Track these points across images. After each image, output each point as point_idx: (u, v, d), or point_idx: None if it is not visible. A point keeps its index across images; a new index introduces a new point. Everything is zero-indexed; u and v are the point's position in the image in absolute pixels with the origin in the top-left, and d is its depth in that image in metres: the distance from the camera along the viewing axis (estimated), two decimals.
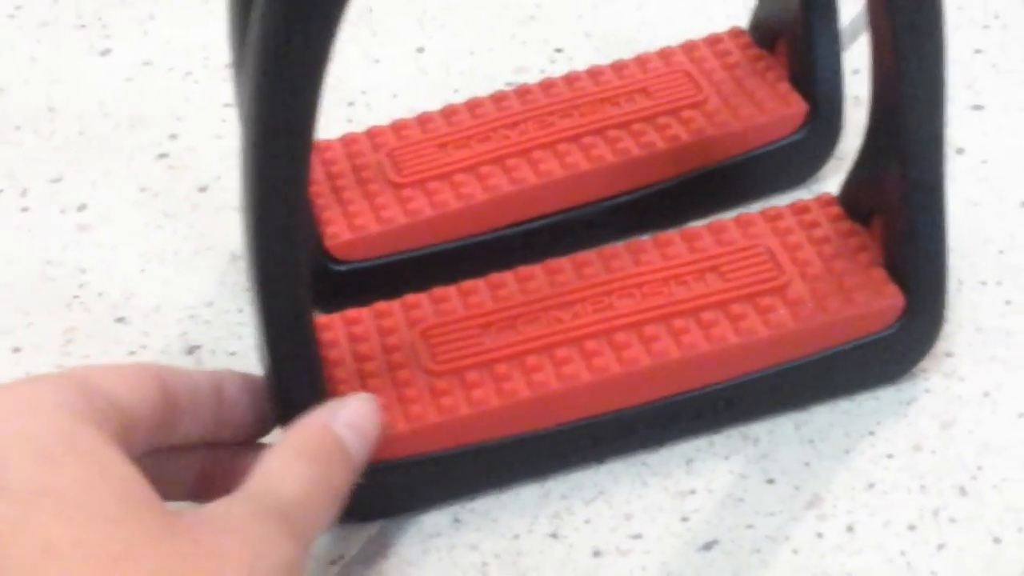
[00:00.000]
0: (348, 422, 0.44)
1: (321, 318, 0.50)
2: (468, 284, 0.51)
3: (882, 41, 0.46)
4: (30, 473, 0.37)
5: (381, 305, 0.51)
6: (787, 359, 0.49)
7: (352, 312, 0.51)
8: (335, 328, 0.50)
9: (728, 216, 0.53)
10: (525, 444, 0.49)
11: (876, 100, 0.49)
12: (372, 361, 0.49)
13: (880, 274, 0.50)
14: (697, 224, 0.53)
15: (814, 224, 0.52)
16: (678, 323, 0.49)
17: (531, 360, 0.48)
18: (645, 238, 0.52)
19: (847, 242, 0.51)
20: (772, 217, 0.52)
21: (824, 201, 0.53)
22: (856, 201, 0.52)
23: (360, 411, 0.44)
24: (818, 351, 0.50)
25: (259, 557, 0.38)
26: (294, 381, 0.45)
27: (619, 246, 0.52)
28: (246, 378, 0.47)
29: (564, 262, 0.52)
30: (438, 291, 0.51)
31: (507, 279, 0.51)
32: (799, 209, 0.53)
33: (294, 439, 0.43)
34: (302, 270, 0.43)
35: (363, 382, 0.48)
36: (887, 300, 0.49)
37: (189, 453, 0.46)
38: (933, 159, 0.48)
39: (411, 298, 0.51)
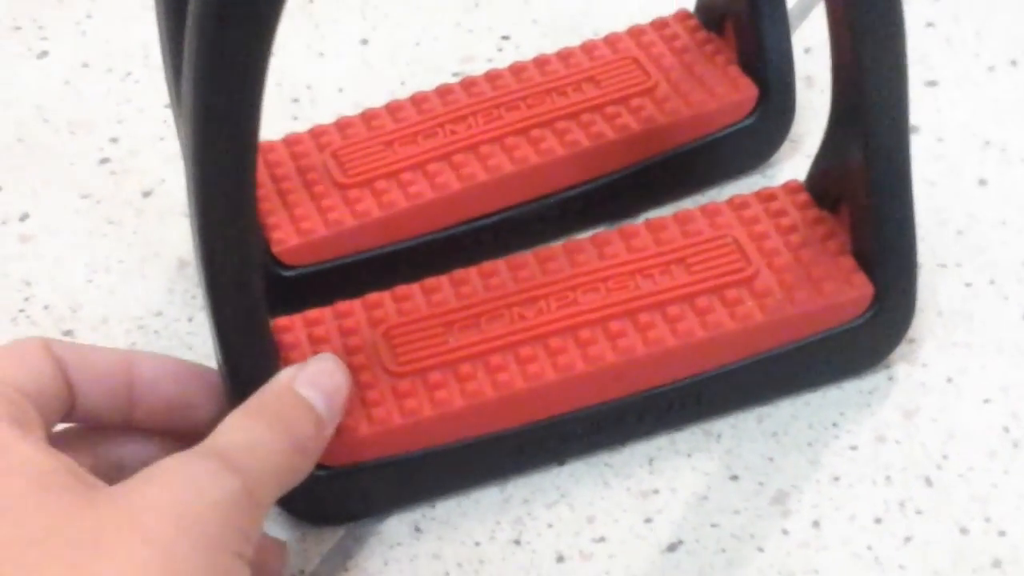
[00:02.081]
0: (309, 380, 0.43)
1: (281, 319, 0.49)
2: (431, 282, 0.50)
3: (840, 26, 0.46)
4: None
5: (342, 305, 0.50)
6: (755, 352, 0.49)
7: (313, 312, 0.50)
8: (296, 329, 0.49)
9: (688, 203, 0.52)
10: (491, 445, 0.48)
11: (837, 86, 0.48)
12: None
13: (848, 263, 0.49)
14: (663, 214, 0.52)
15: (781, 212, 0.51)
16: (644, 318, 0.48)
17: (495, 359, 0.48)
18: (610, 230, 0.51)
19: (815, 230, 0.50)
20: (738, 206, 0.51)
21: (791, 188, 0.52)
22: (823, 188, 0.51)
23: (321, 370, 0.44)
24: (787, 343, 0.49)
25: (189, 500, 0.37)
26: (252, 386, 0.44)
27: (584, 239, 0.51)
28: (166, 361, 0.45)
29: (528, 257, 0.51)
30: (400, 289, 0.50)
31: (470, 275, 0.50)
32: (766, 197, 0.52)
33: (248, 402, 0.42)
34: (253, 272, 0.42)
35: None
36: (856, 290, 0.49)
37: (147, 445, 0.45)
38: (897, 145, 0.47)
39: (373, 297, 0.50)
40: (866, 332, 0.49)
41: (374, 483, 0.47)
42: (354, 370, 0.47)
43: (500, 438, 0.48)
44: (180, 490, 0.38)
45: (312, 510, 0.48)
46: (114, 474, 0.44)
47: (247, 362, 0.44)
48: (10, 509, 0.37)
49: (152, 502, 0.37)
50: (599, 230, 0.52)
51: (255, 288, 0.43)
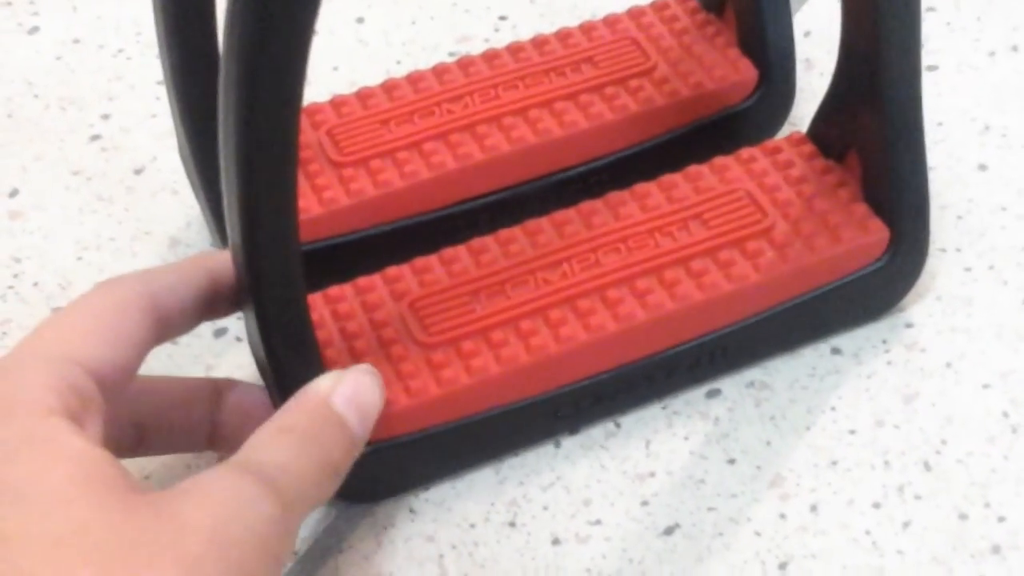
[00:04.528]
0: (347, 397, 0.42)
1: None
2: (449, 252, 0.50)
3: None
4: None
5: (362, 280, 0.49)
6: (779, 302, 0.49)
7: (334, 289, 0.49)
8: (318, 307, 0.48)
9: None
10: (527, 410, 0.48)
11: (847, 38, 0.49)
12: (362, 339, 0.47)
13: (862, 209, 0.50)
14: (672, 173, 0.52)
15: (789, 164, 0.52)
16: (669, 274, 0.49)
17: (525, 324, 0.48)
18: (622, 191, 0.51)
19: (824, 179, 0.51)
20: (746, 160, 0.52)
21: (796, 140, 0.52)
22: (828, 137, 0.52)
23: (361, 385, 0.43)
24: (808, 291, 0.49)
25: (228, 521, 0.37)
26: (292, 365, 0.43)
27: (597, 201, 0.51)
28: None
29: (543, 222, 0.51)
30: (419, 261, 0.50)
31: (488, 244, 0.50)
32: (771, 150, 0.52)
33: (283, 416, 0.41)
34: (296, 248, 0.41)
35: (356, 360, 0.47)
36: (873, 234, 0.49)
37: (196, 404, 0.45)
38: (912, 94, 0.48)
39: (392, 271, 0.50)
40: (883, 276, 0.50)
41: (414, 456, 0.47)
42: (384, 344, 0.47)
43: (537, 402, 0.48)
44: (218, 511, 0.37)
45: (357, 488, 0.46)
46: (133, 434, 0.44)
47: (292, 358, 0.43)
48: (44, 502, 0.36)
49: (188, 520, 0.36)
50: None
51: (299, 281, 0.42)
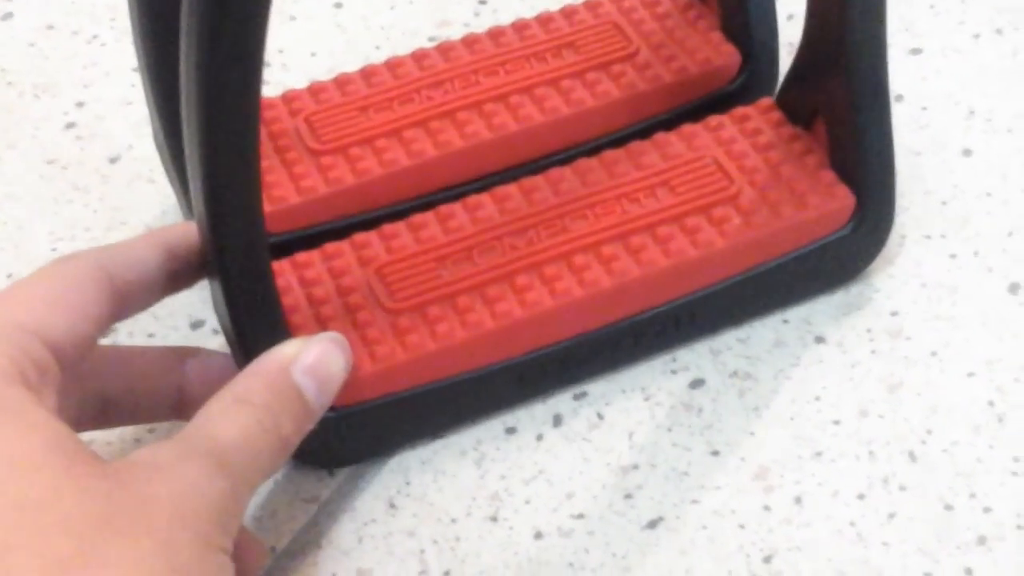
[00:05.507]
0: (308, 367, 0.42)
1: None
2: (417, 218, 0.50)
3: None
4: None
5: (330, 246, 0.49)
6: (746, 268, 0.49)
7: (302, 255, 0.49)
8: (285, 273, 0.48)
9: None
10: (493, 375, 0.48)
11: (813, 4, 0.49)
12: (328, 304, 0.48)
13: (829, 176, 0.50)
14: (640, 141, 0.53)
15: (757, 131, 0.52)
16: (635, 240, 0.49)
17: (492, 290, 0.48)
18: (591, 159, 0.52)
19: (792, 146, 0.51)
20: (714, 127, 0.52)
21: (764, 107, 0.53)
22: (796, 105, 0.52)
23: (324, 355, 0.43)
24: (775, 257, 0.50)
25: (187, 496, 0.37)
26: (257, 332, 0.43)
27: (565, 169, 0.51)
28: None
29: (511, 188, 0.51)
30: (388, 228, 0.50)
31: (456, 210, 0.50)
32: (740, 117, 0.52)
33: (240, 383, 0.41)
34: (259, 213, 0.41)
35: (322, 326, 0.47)
36: (839, 201, 0.50)
37: (162, 373, 0.45)
38: (878, 61, 0.48)
39: (360, 237, 0.50)
40: (849, 242, 0.50)
41: (380, 421, 0.47)
42: (350, 310, 0.47)
43: (502, 368, 0.48)
44: (179, 486, 0.38)
45: (321, 453, 0.47)
46: (98, 405, 0.44)
47: (257, 325, 0.43)
48: (14, 468, 0.36)
49: (151, 493, 0.37)
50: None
51: (263, 247, 0.42)
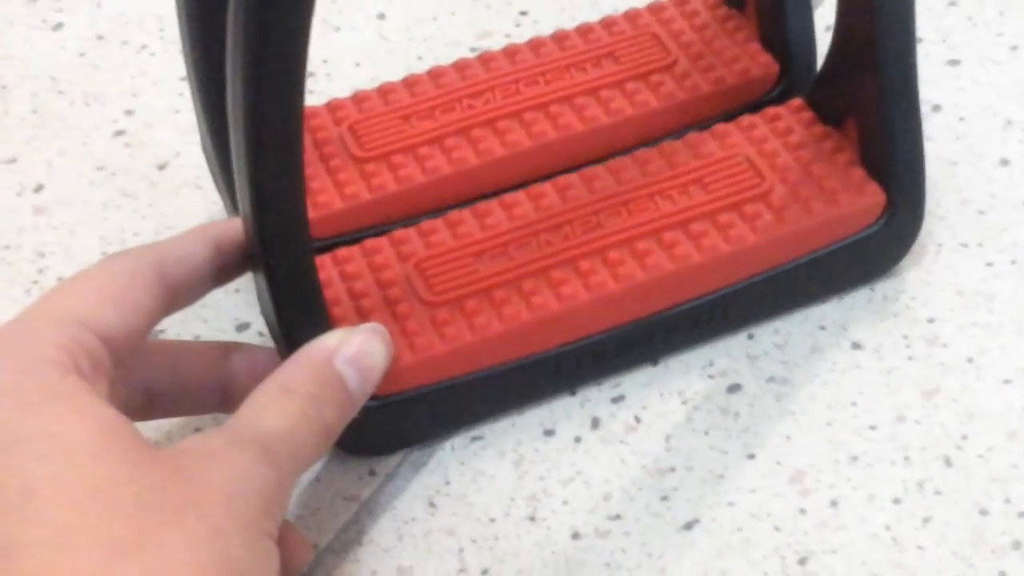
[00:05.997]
0: (351, 357, 0.43)
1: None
2: (454, 215, 0.51)
3: None
4: (11, 423, 0.38)
5: (370, 242, 0.50)
6: (776, 264, 0.50)
7: (342, 251, 0.50)
8: (327, 268, 0.50)
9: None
10: (529, 367, 0.49)
11: (844, 5, 0.49)
12: (368, 297, 0.49)
13: (859, 173, 0.51)
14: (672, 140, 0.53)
15: (788, 130, 0.53)
16: (668, 236, 0.49)
17: (528, 284, 0.49)
18: (624, 157, 0.52)
19: (822, 145, 0.52)
20: (746, 127, 0.53)
21: (795, 107, 0.53)
22: (827, 104, 0.53)
23: (366, 345, 0.43)
24: (805, 254, 0.50)
25: (236, 483, 0.38)
26: (300, 324, 0.44)
27: (599, 167, 0.52)
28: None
29: (546, 186, 0.52)
30: (426, 224, 0.51)
31: (492, 207, 0.51)
32: (771, 116, 0.53)
33: (285, 373, 0.42)
34: (302, 208, 0.42)
35: (363, 318, 0.48)
36: (869, 198, 0.50)
37: (207, 367, 0.46)
38: (907, 60, 0.49)
39: (399, 233, 0.51)
40: (879, 238, 0.51)
41: (420, 410, 0.48)
42: (390, 303, 0.48)
43: (537, 360, 0.49)
44: (228, 473, 0.38)
45: (362, 441, 0.48)
46: (143, 398, 0.45)
47: (300, 317, 0.44)
48: (73, 455, 0.37)
49: (205, 480, 0.38)
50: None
51: (306, 241, 0.43)
